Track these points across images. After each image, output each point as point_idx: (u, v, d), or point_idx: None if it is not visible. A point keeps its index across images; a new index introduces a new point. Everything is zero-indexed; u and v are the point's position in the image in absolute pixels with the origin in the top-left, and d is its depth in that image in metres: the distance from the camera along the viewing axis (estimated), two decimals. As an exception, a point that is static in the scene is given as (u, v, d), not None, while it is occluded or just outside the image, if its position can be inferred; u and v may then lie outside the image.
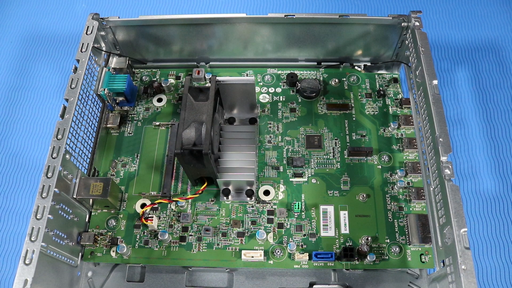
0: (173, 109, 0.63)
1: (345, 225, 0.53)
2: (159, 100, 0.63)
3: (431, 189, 0.51)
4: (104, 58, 0.63)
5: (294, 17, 0.58)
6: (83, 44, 0.57)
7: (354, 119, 0.61)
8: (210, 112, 0.50)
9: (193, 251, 0.52)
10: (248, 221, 0.54)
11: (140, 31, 0.62)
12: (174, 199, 0.54)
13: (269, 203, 0.55)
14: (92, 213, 0.55)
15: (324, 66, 0.66)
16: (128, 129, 0.61)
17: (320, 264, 0.51)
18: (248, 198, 0.54)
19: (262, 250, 0.51)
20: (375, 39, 0.62)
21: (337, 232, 0.53)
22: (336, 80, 0.64)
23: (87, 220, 0.55)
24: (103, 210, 0.55)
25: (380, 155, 0.58)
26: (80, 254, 0.52)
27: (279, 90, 0.64)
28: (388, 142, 0.59)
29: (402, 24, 0.59)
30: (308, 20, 0.59)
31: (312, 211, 0.54)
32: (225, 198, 0.55)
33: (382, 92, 0.62)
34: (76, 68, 0.55)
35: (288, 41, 0.63)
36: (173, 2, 0.82)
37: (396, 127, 0.59)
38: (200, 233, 0.53)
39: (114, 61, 0.64)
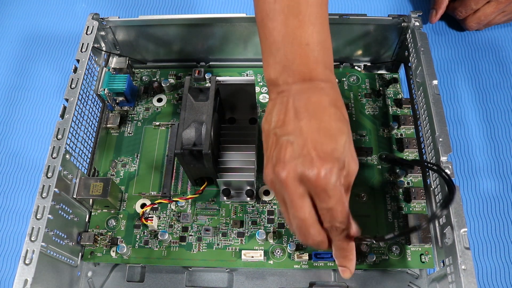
0: (173, 109, 0.63)
1: (345, 225, 0.53)
2: (159, 100, 0.63)
3: (431, 189, 0.51)
4: (104, 58, 0.63)
5: (294, 17, 0.58)
6: (83, 44, 0.57)
7: (354, 119, 0.61)
8: (210, 112, 0.50)
9: (193, 251, 0.52)
10: (248, 221, 0.54)
11: (140, 31, 0.62)
12: (174, 199, 0.54)
13: (269, 203, 0.55)
14: (92, 213, 0.55)
15: (324, 66, 0.65)
16: (128, 129, 0.61)
17: (320, 264, 0.51)
18: (248, 198, 0.54)
19: (262, 250, 0.51)
20: (375, 39, 0.62)
21: (337, 232, 0.53)
22: (336, 80, 0.64)
23: (87, 220, 0.55)
24: (103, 210, 0.55)
25: (380, 155, 0.58)
26: (80, 254, 0.52)
27: (279, 90, 0.64)
28: (388, 142, 0.59)
29: (402, 24, 0.59)
30: (308, 20, 0.59)
31: (312, 211, 0.54)
32: (225, 198, 0.55)
33: (382, 92, 0.62)
34: (76, 68, 0.55)
35: (288, 41, 0.63)
36: (173, 2, 0.82)
37: (396, 127, 0.59)
38: (200, 233, 0.53)
39: (114, 61, 0.64)
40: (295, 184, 0.37)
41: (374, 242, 0.46)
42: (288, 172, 0.37)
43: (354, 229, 0.40)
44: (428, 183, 0.52)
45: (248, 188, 0.54)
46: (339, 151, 0.37)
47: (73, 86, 0.53)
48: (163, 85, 0.63)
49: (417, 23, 0.57)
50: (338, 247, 0.41)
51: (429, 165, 0.46)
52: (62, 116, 0.51)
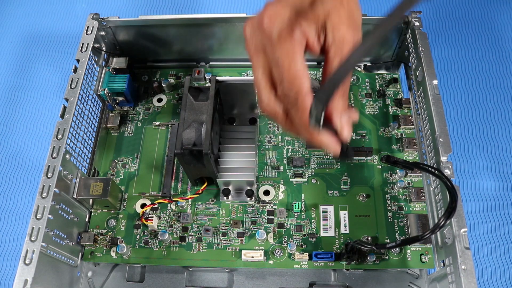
0: (173, 109, 0.63)
1: (345, 225, 0.53)
2: (159, 100, 0.63)
3: (431, 189, 0.51)
4: (104, 58, 0.63)
5: (294, 17, 0.58)
6: (83, 44, 0.57)
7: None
8: (210, 112, 0.50)
9: (193, 251, 0.52)
10: (248, 221, 0.54)
11: (140, 31, 0.62)
12: (174, 199, 0.54)
13: (269, 203, 0.55)
14: (92, 213, 0.55)
15: (324, 66, 0.65)
16: (128, 129, 0.61)
17: (320, 264, 0.51)
18: (248, 198, 0.54)
19: (262, 250, 0.51)
20: (375, 39, 0.62)
21: (337, 232, 0.53)
22: None
23: (87, 220, 0.55)
24: (103, 210, 0.55)
25: (380, 155, 0.58)
26: (80, 254, 0.52)
27: (279, 90, 0.64)
28: (388, 142, 0.59)
29: (402, 24, 0.59)
30: (308, 20, 0.59)
31: (312, 211, 0.54)
32: (225, 198, 0.55)
33: (382, 92, 0.62)
34: (76, 68, 0.55)
35: (288, 41, 0.63)
36: (173, 2, 0.83)
37: (396, 127, 0.59)
38: (200, 233, 0.53)
39: (114, 61, 0.64)
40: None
41: (375, 249, 0.47)
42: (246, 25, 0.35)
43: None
44: (428, 183, 0.52)
45: (248, 188, 0.54)
46: None
47: (73, 86, 0.53)
48: (163, 85, 0.63)
49: (417, 23, 0.57)
50: (296, 126, 0.35)
51: (431, 169, 0.46)
52: (62, 116, 0.51)
